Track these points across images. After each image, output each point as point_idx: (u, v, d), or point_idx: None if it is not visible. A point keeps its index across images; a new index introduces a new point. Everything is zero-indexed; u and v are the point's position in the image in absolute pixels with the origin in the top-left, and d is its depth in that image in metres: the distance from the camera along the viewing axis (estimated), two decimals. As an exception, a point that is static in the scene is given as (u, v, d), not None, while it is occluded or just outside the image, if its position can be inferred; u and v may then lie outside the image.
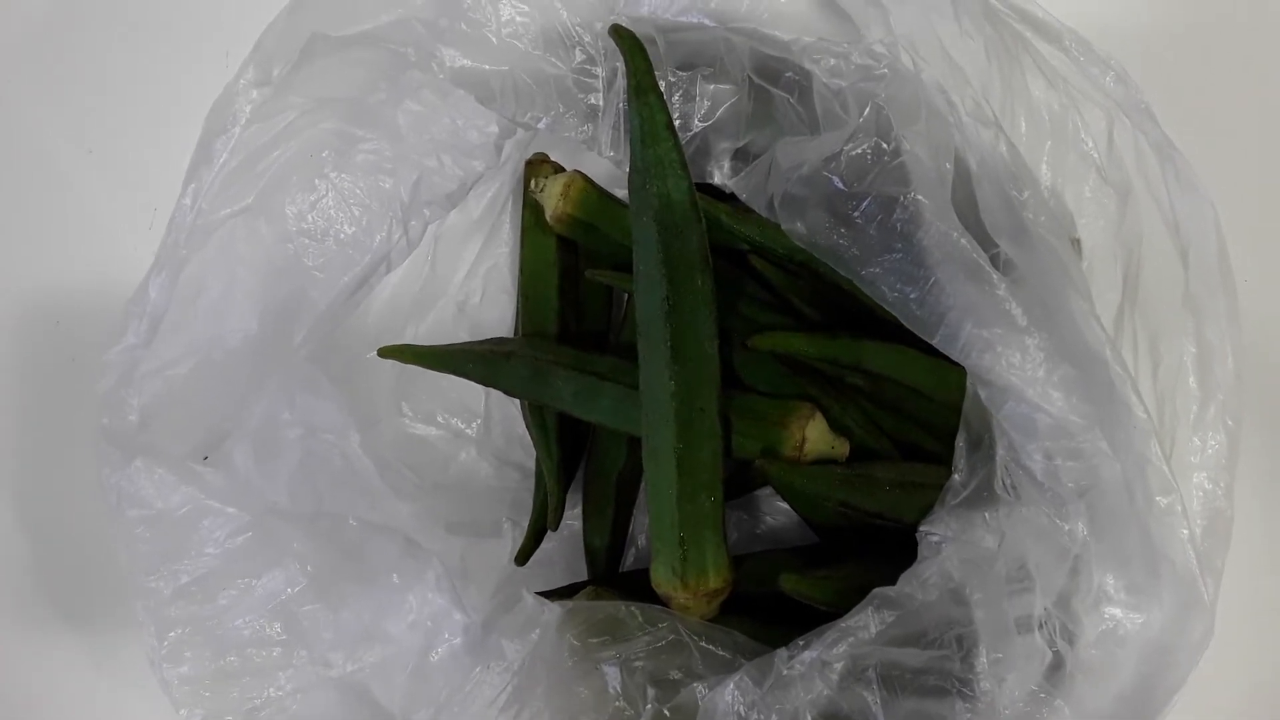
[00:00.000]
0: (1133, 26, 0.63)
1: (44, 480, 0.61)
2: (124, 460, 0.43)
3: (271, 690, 0.43)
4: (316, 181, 0.46)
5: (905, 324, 0.44)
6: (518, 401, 0.58)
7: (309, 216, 0.46)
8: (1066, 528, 0.43)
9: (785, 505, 0.57)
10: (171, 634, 0.43)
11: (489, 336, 0.58)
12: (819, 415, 0.50)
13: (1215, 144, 0.53)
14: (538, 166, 0.57)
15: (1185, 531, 0.43)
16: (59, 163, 0.64)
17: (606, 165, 0.53)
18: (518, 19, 0.47)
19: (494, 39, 0.47)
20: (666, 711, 0.43)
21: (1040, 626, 0.43)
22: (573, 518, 0.57)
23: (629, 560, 0.58)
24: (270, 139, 0.45)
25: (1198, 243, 0.48)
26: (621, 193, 0.55)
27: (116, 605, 0.58)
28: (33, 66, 0.65)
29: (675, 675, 0.44)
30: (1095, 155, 0.50)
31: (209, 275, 0.45)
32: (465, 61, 0.46)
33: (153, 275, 0.45)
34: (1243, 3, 0.64)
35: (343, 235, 0.47)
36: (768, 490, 0.58)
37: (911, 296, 0.43)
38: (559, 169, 0.56)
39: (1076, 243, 0.51)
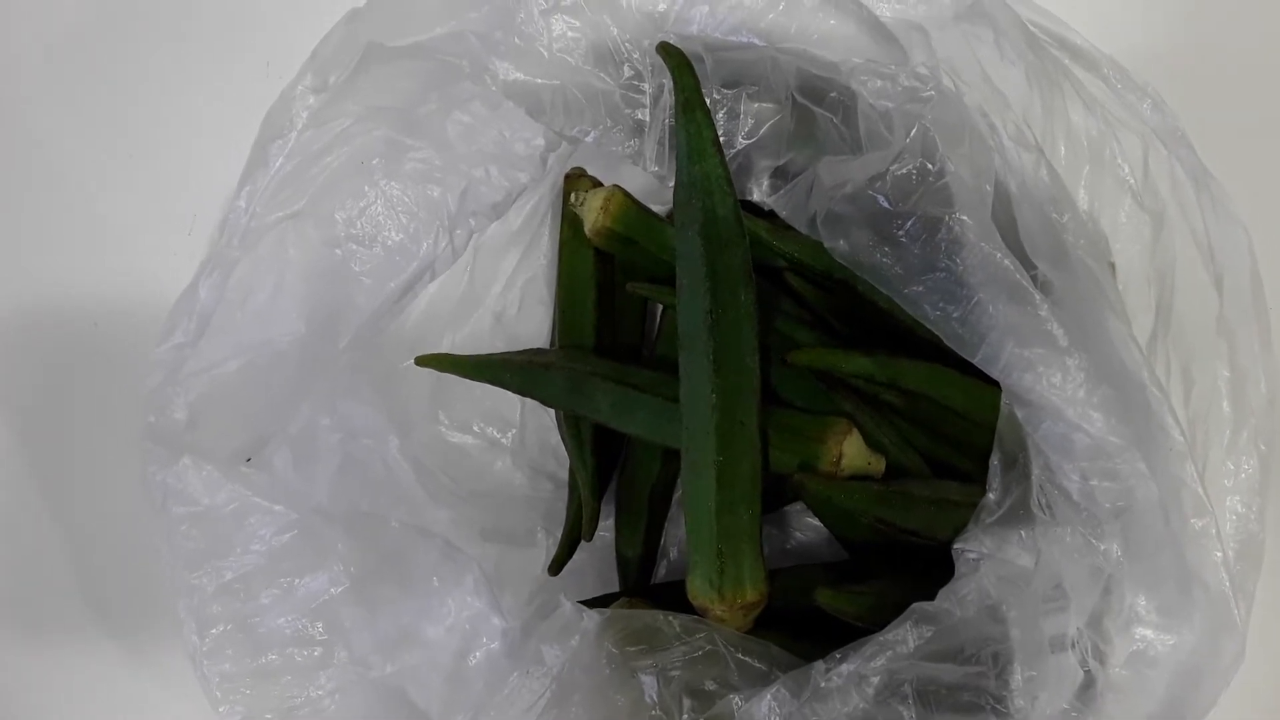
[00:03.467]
0: (1170, 55, 0.64)
1: (82, 481, 0.61)
2: (171, 458, 0.43)
3: (311, 690, 0.43)
4: (366, 188, 0.47)
5: (947, 342, 0.44)
6: (552, 412, 0.58)
7: (358, 223, 0.47)
8: (1102, 548, 0.43)
9: (815, 521, 0.58)
10: (213, 631, 0.43)
11: (525, 347, 0.58)
12: (855, 432, 0.50)
13: (1250, 171, 0.54)
14: (576, 181, 0.57)
15: (1219, 554, 0.43)
16: (99, 167, 0.65)
17: (642, 180, 0.53)
18: (569, 34, 0.48)
19: (545, 53, 0.47)
20: (702, 721, 0.43)
21: (1073, 645, 0.43)
22: (605, 529, 0.57)
23: (660, 572, 0.58)
24: (323, 145, 0.46)
25: (1232, 269, 0.48)
26: (658, 207, 0.55)
27: (156, 605, 0.58)
28: (73, 71, 0.66)
29: (711, 686, 0.44)
30: (1131, 181, 0.51)
31: (258, 278, 0.45)
32: (517, 74, 0.47)
33: (203, 275, 0.45)
34: (1277, 32, 0.65)
35: (390, 242, 0.47)
36: (798, 506, 0.58)
37: (954, 315, 0.44)
38: (597, 183, 0.57)
39: (1112, 266, 0.51)
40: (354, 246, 0.46)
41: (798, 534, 0.59)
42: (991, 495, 0.46)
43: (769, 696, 0.42)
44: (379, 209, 0.47)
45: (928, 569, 0.48)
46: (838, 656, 0.43)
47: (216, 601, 0.43)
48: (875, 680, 0.43)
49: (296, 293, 0.45)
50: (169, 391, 0.44)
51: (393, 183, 0.47)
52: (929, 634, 0.43)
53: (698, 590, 0.48)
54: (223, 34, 0.65)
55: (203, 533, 0.43)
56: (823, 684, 0.43)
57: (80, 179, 0.64)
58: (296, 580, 0.43)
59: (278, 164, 0.45)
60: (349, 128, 0.45)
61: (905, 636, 0.43)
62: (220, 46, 0.65)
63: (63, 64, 0.66)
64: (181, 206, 0.61)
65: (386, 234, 0.47)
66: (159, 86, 0.65)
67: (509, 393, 0.56)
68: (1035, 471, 0.45)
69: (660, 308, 0.60)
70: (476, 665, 0.44)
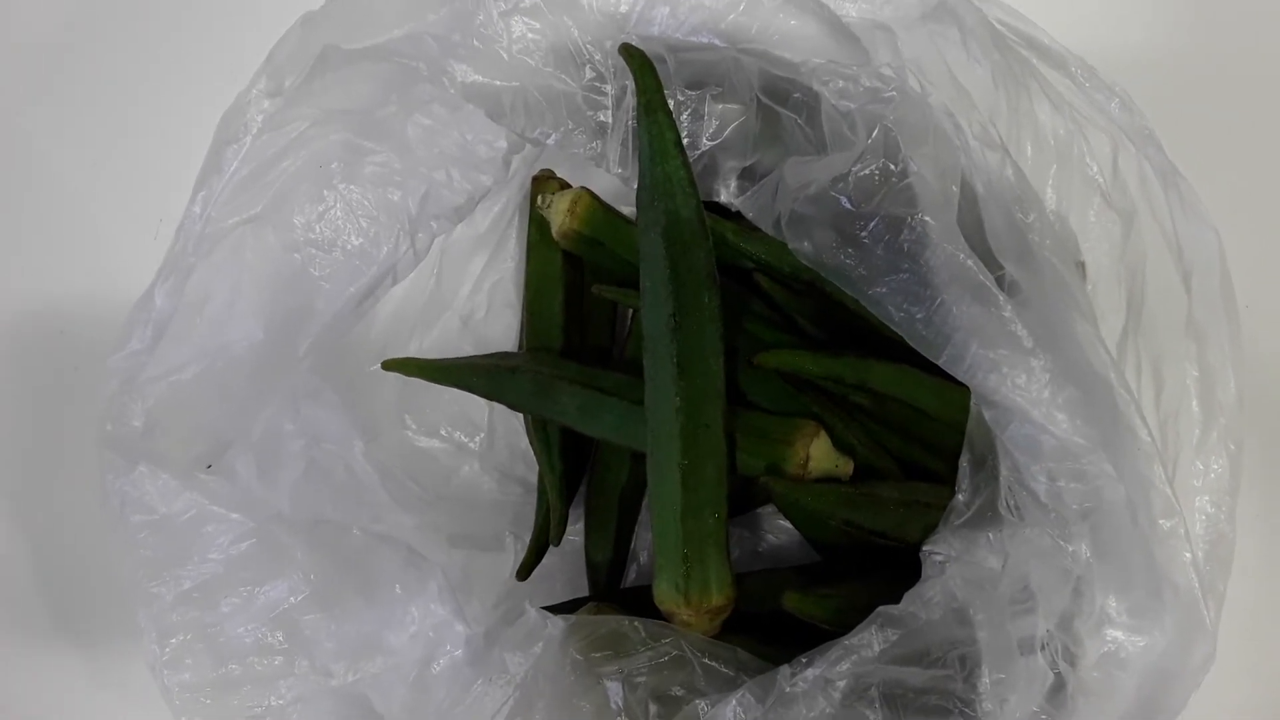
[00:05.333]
0: (1137, 53, 0.63)
1: (47, 489, 0.61)
2: (128, 466, 0.43)
3: (272, 699, 0.43)
4: (325, 192, 0.46)
5: (911, 343, 0.44)
6: (521, 416, 0.58)
7: (317, 227, 0.46)
8: (1070, 549, 0.43)
9: (787, 524, 0.57)
10: (173, 640, 0.42)
11: (493, 351, 0.58)
12: (823, 433, 0.50)
13: (1220, 169, 0.54)
14: (544, 182, 0.57)
15: (1188, 555, 0.43)
16: (64, 173, 0.65)
17: (611, 182, 0.53)
18: (529, 36, 0.47)
19: (505, 55, 0.47)
20: (668, 727, 0.43)
21: (1043, 648, 0.43)
22: (575, 533, 0.57)
23: (631, 576, 0.58)
24: (280, 149, 0.45)
25: (1200, 268, 0.48)
26: (626, 209, 0.55)
27: (117, 615, 0.57)
28: (39, 78, 0.66)
29: (677, 691, 0.44)
30: (1100, 180, 0.51)
31: (215, 283, 0.45)
32: (476, 77, 0.47)
33: (159, 282, 0.45)
34: (1246, 30, 0.65)
35: (350, 246, 0.47)
36: (769, 508, 0.58)
37: (918, 316, 0.44)
38: (565, 185, 0.57)
39: (1081, 266, 0.51)
40: (313, 251, 0.46)
41: (770, 536, 0.59)
42: (960, 496, 0.46)
43: (734, 702, 0.42)
44: (338, 213, 0.46)
45: (898, 571, 0.48)
46: (804, 661, 0.43)
47: (175, 611, 0.43)
48: (841, 684, 0.42)
49: (255, 298, 0.45)
50: (125, 399, 0.43)
51: (352, 186, 0.46)
52: (894, 637, 0.43)
53: (664, 595, 0.48)
54: (188, 38, 0.65)
55: (160, 541, 0.43)
56: (788, 689, 0.42)
57: (45, 185, 0.64)
58: (256, 589, 0.43)
59: (233, 168, 0.45)
60: (306, 131, 0.45)
61: (870, 640, 0.43)
62: (185, 51, 0.65)
63: (28, 70, 0.65)
64: (148, 211, 0.61)
65: (346, 238, 0.47)
66: (124, 92, 0.65)
67: (477, 396, 0.55)
68: (1003, 473, 0.44)
69: (631, 308, 0.60)
70: (439, 673, 0.44)
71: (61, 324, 0.62)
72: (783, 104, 0.49)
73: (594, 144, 0.49)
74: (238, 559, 0.43)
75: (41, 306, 0.62)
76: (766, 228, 0.49)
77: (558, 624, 0.45)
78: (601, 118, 0.49)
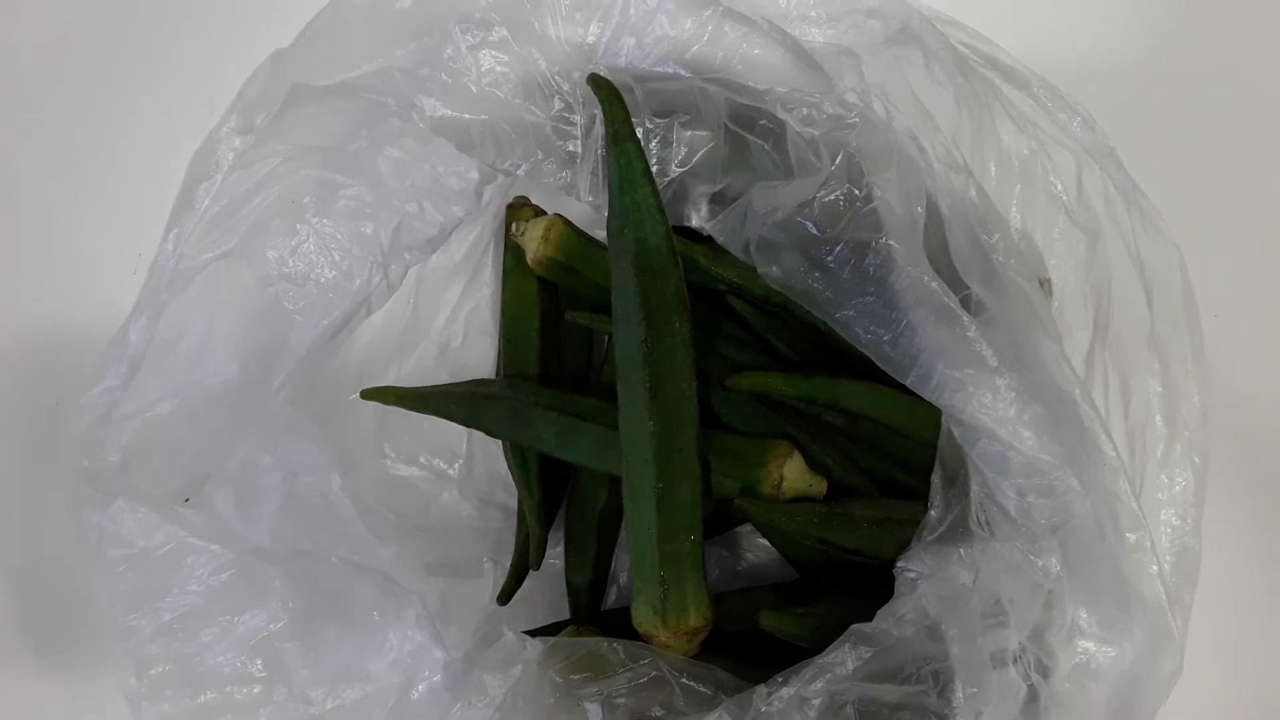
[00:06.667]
0: (1099, 72, 0.64)
1: (24, 526, 0.61)
2: (105, 500, 0.43)
3: (251, 728, 0.43)
4: (298, 227, 0.47)
5: (879, 365, 0.45)
6: (500, 442, 0.58)
7: (290, 261, 0.47)
8: (1040, 563, 0.43)
9: (766, 542, 0.58)
10: (152, 671, 0.43)
11: (471, 378, 0.58)
12: (797, 454, 0.51)
13: (1182, 184, 0.55)
14: (518, 210, 0.58)
15: (1155, 567, 0.44)
16: (43, 208, 0.65)
17: (586, 209, 0.53)
18: (497, 69, 0.48)
19: (474, 88, 0.48)
20: (647, 748, 0.43)
21: (1015, 661, 0.44)
22: (555, 557, 0.57)
23: (611, 599, 0.58)
24: (252, 185, 0.46)
25: (1162, 283, 0.49)
26: (601, 235, 0.56)
27: (97, 647, 0.58)
28: (17, 111, 0.66)
29: (657, 712, 0.44)
30: (1064, 198, 0.51)
31: (189, 319, 0.45)
32: (445, 110, 0.47)
33: (133, 319, 0.45)
34: (1206, 49, 0.66)
35: (323, 279, 0.47)
36: (748, 527, 0.59)
37: (885, 339, 0.44)
38: (540, 212, 0.57)
39: (1047, 283, 0.52)
40: (286, 285, 0.46)
41: (749, 555, 0.59)
42: (933, 513, 0.47)
43: (711, 722, 0.43)
44: (311, 247, 0.47)
45: (875, 588, 0.48)
46: (779, 680, 0.44)
47: (155, 642, 0.43)
48: (816, 702, 0.43)
49: (228, 333, 0.45)
50: (101, 435, 0.44)
51: (324, 220, 0.47)
52: (868, 655, 0.43)
53: (642, 617, 0.48)
54: (165, 72, 0.65)
55: (139, 574, 0.43)
56: (764, 708, 0.43)
57: (24, 220, 0.64)
58: (235, 618, 0.43)
59: (205, 205, 0.45)
60: (277, 167, 0.46)
61: (844, 658, 0.43)
62: (166, 84, 0.65)
63: (6, 103, 0.66)
64: (127, 246, 0.61)
65: (319, 271, 0.47)
66: (104, 127, 0.65)
67: (455, 424, 0.56)
68: (974, 489, 0.45)
69: (607, 333, 0.60)
70: (419, 699, 0.44)
71: (40, 358, 0.62)
72: (750, 130, 0.49)
73: (564, 174, 0.50)
74: (217, 590, 0.43)
75: (20, 343, 0.62)
76: (737, 252, 0.50)
77: (536, 646, 0.45)
78: (571, 148, 0.50)
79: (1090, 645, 0.44)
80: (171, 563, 0.43)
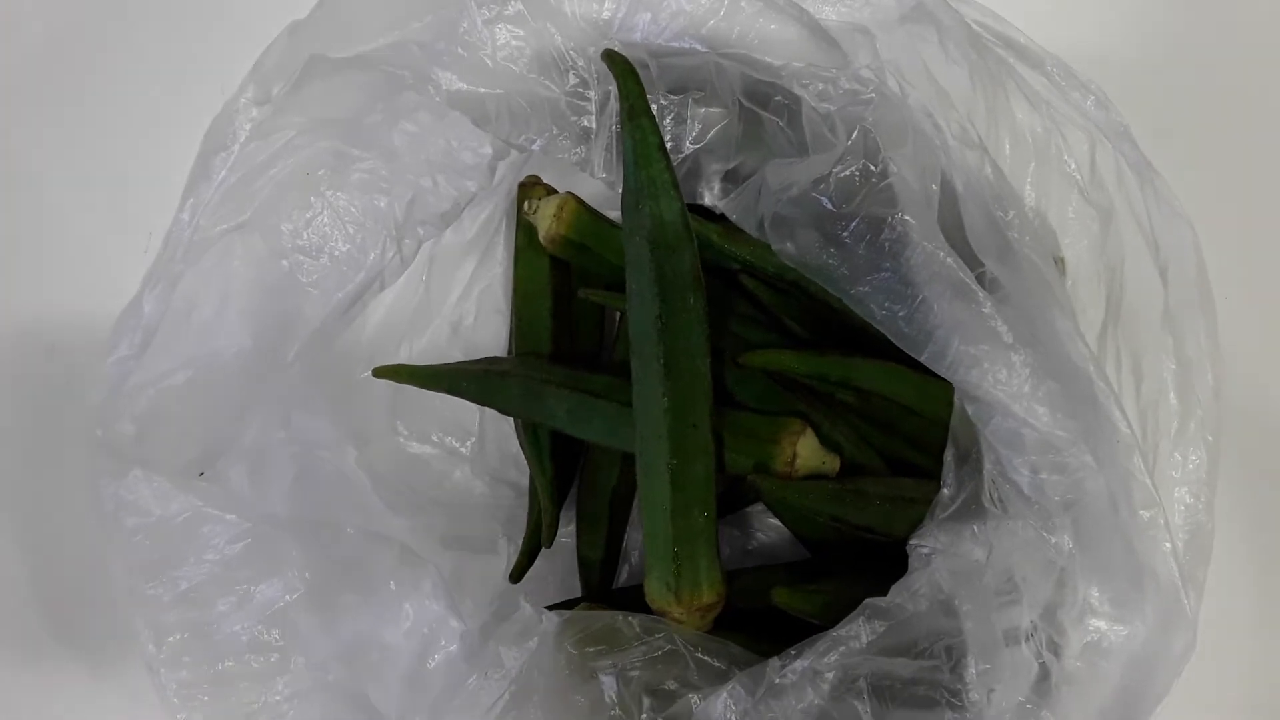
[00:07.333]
0: (1112, 52, 0.64)
1: (39, 505, 0.61)
2: (121, 470, 0.43)
3: (268, 696, 0.43)
4: (312, 199, 0.47)
5: (894, 341, 0.45)
6: (511, 420, 0.58)
7: (304, 233, 0.47)
8: (1053, 540, 0.43)
9: (776, 522, 0.58)
10: (170, 639, 0.43)
11: (483, 356, 0.58)
12: (810, 431, 0.51)
13: (1195, 164, 0.54)
14: (531, 188, 0.58)
15: (1168, 545, 0.44)
16: (53, 188, 0.65)
17: (598, 187, 0.53)
18: (513, 43, 0.48)
19: (489, 62, 0.47)
20: (661, 720, 0.43)
21: (1027, 638, 0.44)
22: (566, 535, 0.57)
23: (623, 576, 0.58)
24: (268, 157, 0.46)
25: (1176, 262, 0.49)
26: (613, 214, 0.56)
27: (115, 618, 0.57)
28: (27, 91, 0.66)
29: (670, 685, 0.44)
30: (1078, 176, 0.51)
31: (203, 290, 0.45)
32: (461, 84, 0.47)
33: (147, 289, 0.45)
34: (1217, 29, 0.66)
35: (337, 252, 0.47)
36: (759, 507, 0.59)
37: (900, 314, 0.44)
38: (552, 191, 0.57)
39: (1061, 261, 0.52)
40: (301, 257, 0.46)
41: (760, 534, 0.59)
42: (946, 490, 0.47)
43: (725, 694, 0.43)
44: (325, 220, 0.47)
45: (886, 566, 0.48)
46: (792, 653, 0.44)
47: (172, 610, 0.43)
48: (830, 676, 0.43)
49: (243, 304, 0.45)
50: (116, 405, 0.44)
51: (339, 193, 0.47)
52: (881, 629, 0.43)
53: (655, 594, 0.48)
54: (175, 52, 0.65)
55: (156, 543, 0.43)
56: (777, 680, 0.43)
57: (33, 200, 0.64)
58: (252, 587, 0.43)
59: (221, 176, 0.45)
60: (293, 139, 0.45)
61: (858, 632, 0.43)
62: (175, 63, 0.65)
63: (18, 84, 0.66)
64: (138, 225, 0.61)
65: (333, 244, 0.47)
66: (113, 106, 0.65)
67: (468, 402, 0.56)
68: (987, 466, 0.45)
69: (619, 311, 0.60)
70: (435, 668, 0.44)
71: (52, 339, 0.62)
72: (764, 107, 0.49)
73: (578, 149, 0.50)
74: (233, 559, 0.43)
75: (31, 324, 0.62)
76: (750, 229, 0.50)
77: (552, 619, 0.45)
78: (585, 123, 0.50)
79: (1102, 623, 0.44)
80: (188, 532, 0.43)
